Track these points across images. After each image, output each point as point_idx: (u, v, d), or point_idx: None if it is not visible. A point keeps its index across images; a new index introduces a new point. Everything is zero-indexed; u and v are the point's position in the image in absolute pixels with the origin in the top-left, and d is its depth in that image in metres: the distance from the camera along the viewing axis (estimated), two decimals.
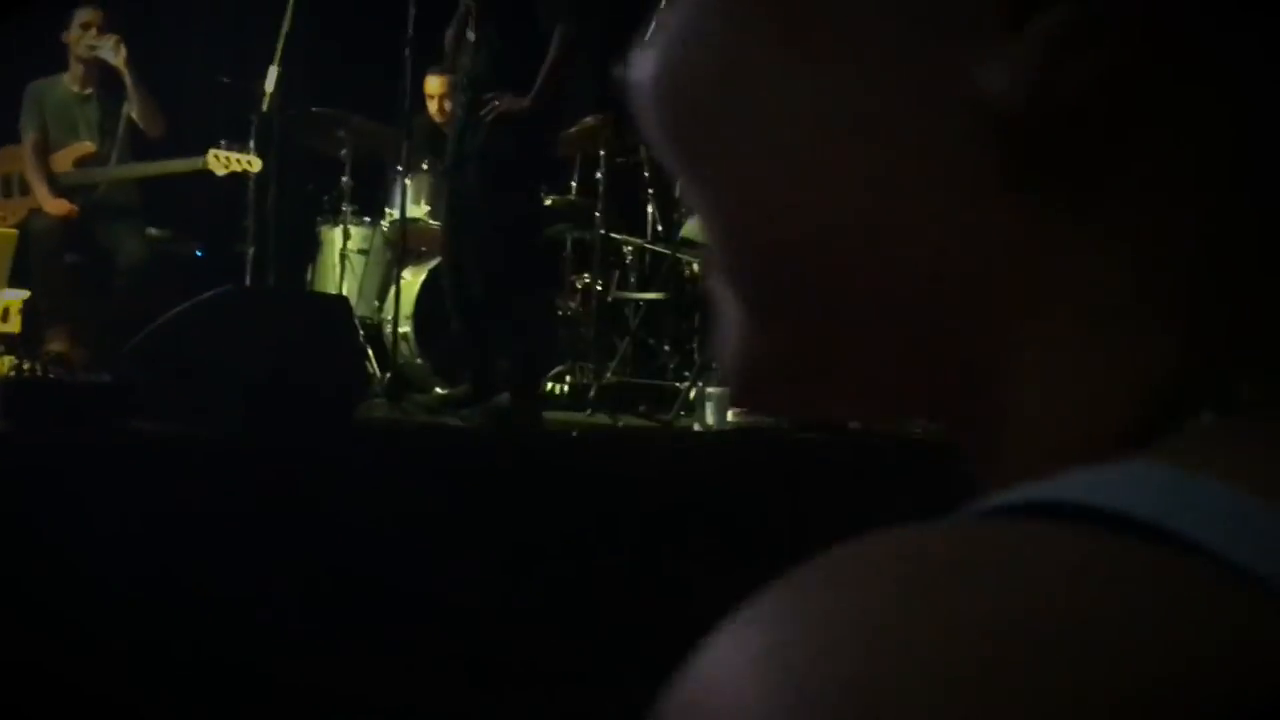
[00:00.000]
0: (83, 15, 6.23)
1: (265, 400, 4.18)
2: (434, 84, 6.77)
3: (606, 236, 6.44)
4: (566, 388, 6.18)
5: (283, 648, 3.95)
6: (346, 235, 6.45)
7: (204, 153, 6.02)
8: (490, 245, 5.25)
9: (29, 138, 6.17)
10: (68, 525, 3.69)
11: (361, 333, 5.76)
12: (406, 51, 5.36)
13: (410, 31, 5.36)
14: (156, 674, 3.73)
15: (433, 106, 6.83)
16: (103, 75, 6.31)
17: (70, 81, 6.29)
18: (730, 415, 5.50)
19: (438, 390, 5.75)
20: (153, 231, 6.44)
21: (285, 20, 5.82)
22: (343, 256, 6.43)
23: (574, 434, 5.06)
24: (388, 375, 5.63)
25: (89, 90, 6.29)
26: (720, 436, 5.39)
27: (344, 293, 6.36)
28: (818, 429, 5.68)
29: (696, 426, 5.44)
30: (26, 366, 4.05)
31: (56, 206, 6.01)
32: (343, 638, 4.06)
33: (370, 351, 6.10)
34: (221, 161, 6.02)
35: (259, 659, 3.91)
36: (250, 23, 7.75)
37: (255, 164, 6.01)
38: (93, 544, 3.71)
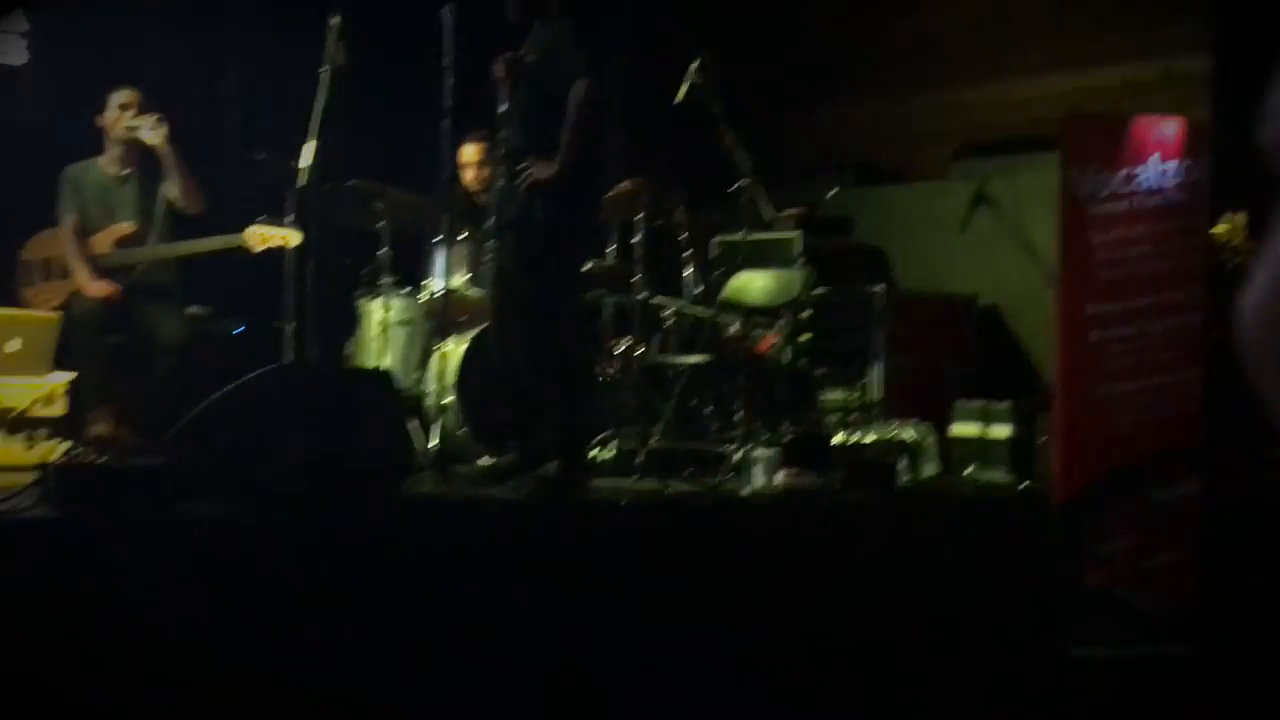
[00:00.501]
0: (120, 97, 6.27)
1: (312, 478, 4.16)
2: (468, 152, 6.78)
3: (646, 301, 6.41)
4: (611, 454, 6.13)
5: None
6: (387, 307, 6.43)
7: (242, 230, 6.03)
8: (531, 313, 5.25)
9: (68, 221, 6.19)
10: (121, 610, 3.66)
11: (405, 406, 5.73)
12: (444, 123, 5.36)
13: (449, 101, 5.36)
14: None
15: (468, 175, 6.83)
16: (139, 155, 6.33)
17: (107, 164, 6.32)
18: (778, 478, 5.46)
19: (482, 461, 5.70)
20: (193, 310, 6.44)
21: (320, 95, 5.84)
22: (383, 328, 6.41)
23: (623, 503, 5.01)
24: (432, 448, 5.58)
25: (127, 171, 6.32)
26: (769, 499, 5.34)
27: (385, 365, 6.34)
28: (863, 489, 5.63)
29: (745, 490, 5.39)
30: (77, 452, 4.02)
31: (98, 289, 6.02)
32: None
33: (414, 423, 6.06)
34: (259, 238, 6.03)
35: None
36: (285, 98, 7.80)
37: (293, 239, 6.01)
38: (146, 629, 3.67)
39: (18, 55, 7.32)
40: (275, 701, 3.82)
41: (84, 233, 6.21)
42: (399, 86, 6.96)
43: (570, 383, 5.39)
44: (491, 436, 6.04)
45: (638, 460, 5.74)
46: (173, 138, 6.27)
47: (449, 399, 6.14)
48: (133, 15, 7.60)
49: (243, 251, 6.10)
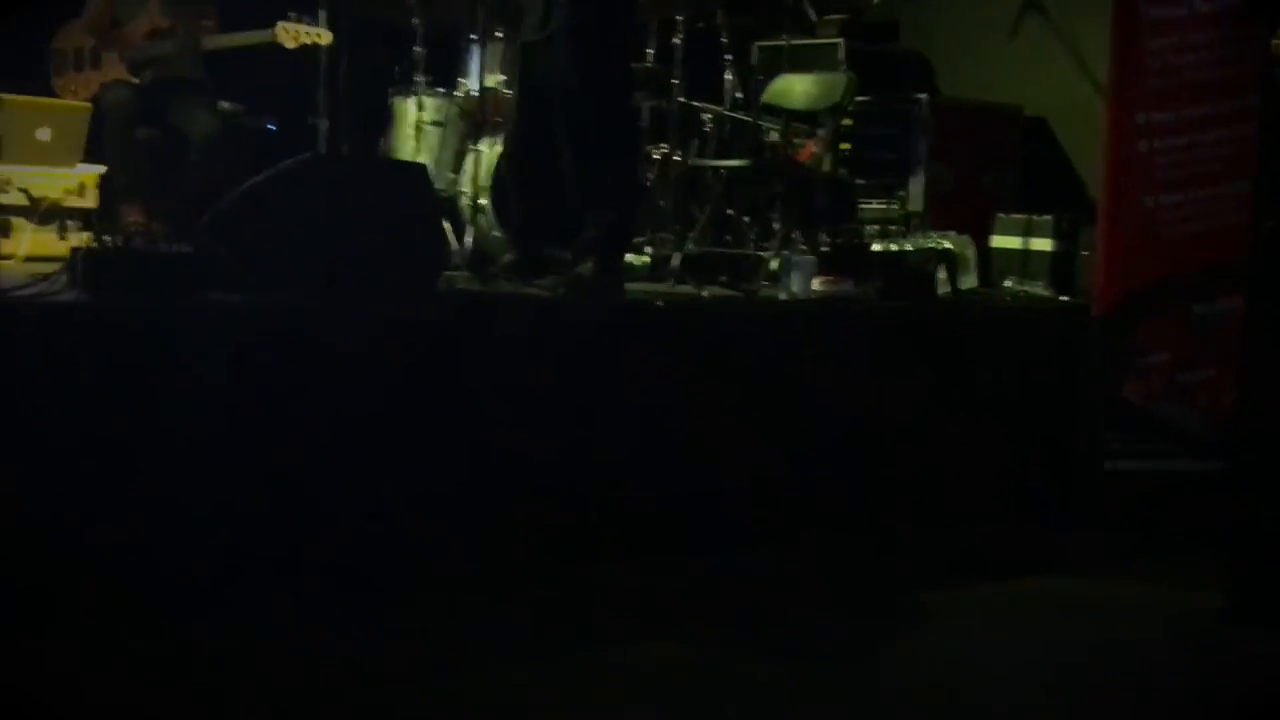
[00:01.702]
0: None
1: (347, 270, 4.11)
2: None
3: (685, 104, 6.29)
4: (647, 259, 6.07)
5: (363, 521, 3.92)
6: (420, 107, 6.33)
7: (273, 25, 5.91)
8: (584, 116, 5.11)
9: (98, 8, 6.08)
10: (152, 394, 3.66)
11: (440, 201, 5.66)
12: None
13: None
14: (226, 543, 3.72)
15: None
16: None
17: None
18: (815, 284, 5.39)
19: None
20: (224, 106, 6.35)
21: None
22: (417, 128, 6.31)
23: (660, 303, 4.96)
24: (468, 245, 5.53)
25: None
26: (806, 305, 5.28)
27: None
28: (901, 296, 5.57)
29: (781, 295, 5.33)
30: (106, 239, 3.98)
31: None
32: (431, 504, 4.03)
33: (448, 223, 6.00)
34: (291, 34, 5.90)
35: (334, 528, 3.88)
36: None
37: (325, 36, 5.89)
38: (175, 412, 3.67)
39: None
40: (299, 487, 3.83)
41: (115, 22, 6.10)
42: None
43: (613, 185, 5.28)
44: (525, 237, 5.98)
45: (673, 264, 5.68)
46: None
47: (483, 200, 6.07)
48: None
49: (274, 48, 5.98)
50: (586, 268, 5.08)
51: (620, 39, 5.31)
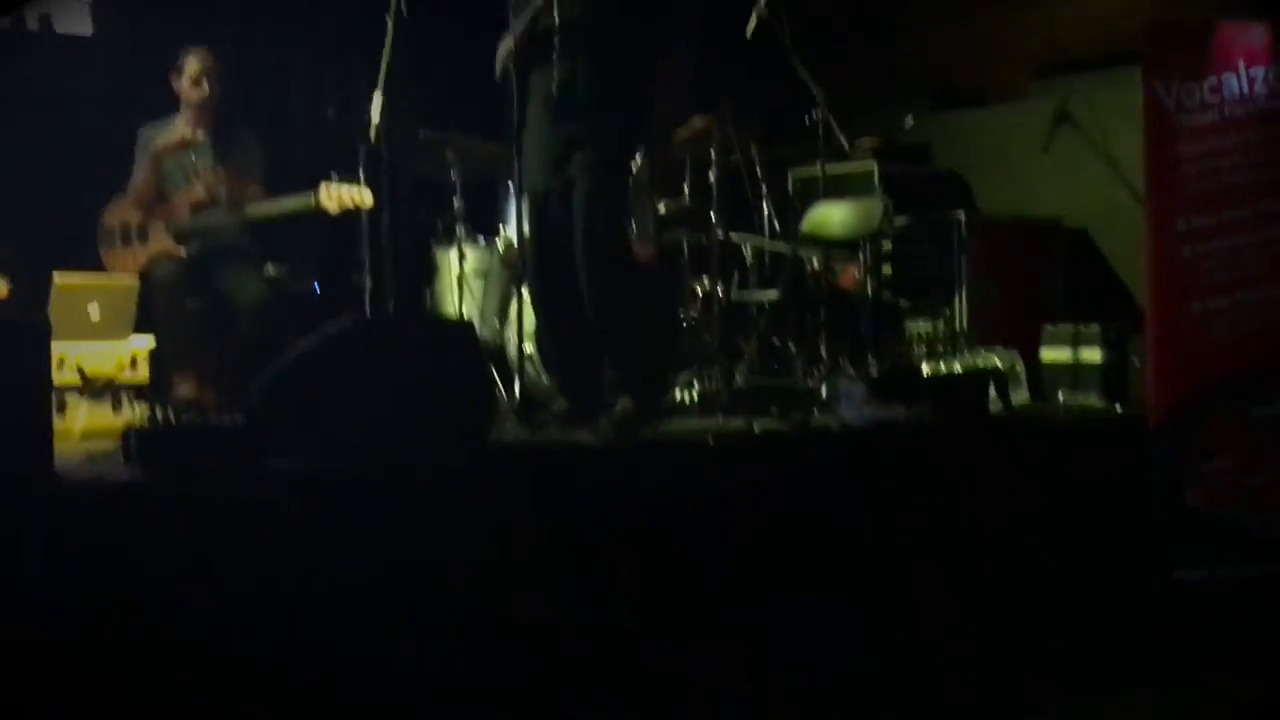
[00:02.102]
0: (191, 60, 6.25)
1: (397, 431, 4.13)
2: None
3: (724, 238, 6.33)
4: (695, 395, 6.06)
5: (421, 678, 3.90)
6: (462, 258, 6.39)
7: (315, 189, 6.01)
8: (597, 264, 5.17)
9: (144, 183, 6.20)
10: (208, 567, 3.66)
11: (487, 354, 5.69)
12: (511, 67, 5.27)
13: (514, 47, 5.27)
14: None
15: None
16: (212, 117, 6.33)
17: (181, 125, 6.31)
18: (866, 411, 5.37)
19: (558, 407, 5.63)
20: (269, 270, 6.44)
21: (386, 48, 5.79)
22: (460, 280, 6.37)
23: (710, 441, 4.95)
24: (515, 396, 5.55)
25: (202, 134, 6.31)
26: (858, 433, 5.26)
27: (463, 315, 6.31)
28: (953, 418, 5.54)
29: (833, 425, 5.31)
30: (158, 414, 4.02)
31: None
32: (493, 665, 4.00)
33: (495, 373, 6.03)
34: (333, 197, 6.00)
35: (406, 690, 3.86)
36: (352, 53, 7.77)
37: (366, 198, 5.98)
38: (235, 586, 3.67)
39: (83, 25, 7.32)
40: (362, 652, 3.81)
41: (160, 195, 6.22)
42: (467, 34, 6.89)
43: (642, 326, 5.31)
44: (573, 384, 6.00)
45: (722, 400, 5.67)
46: (239, 99, 6.25)
47: (529, 348, 6.09)
48: None
49: (317, 212, 6.08)
50: (625, 407, 5.10)
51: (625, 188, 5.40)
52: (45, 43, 7.24)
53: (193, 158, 6.26)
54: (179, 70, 6.26)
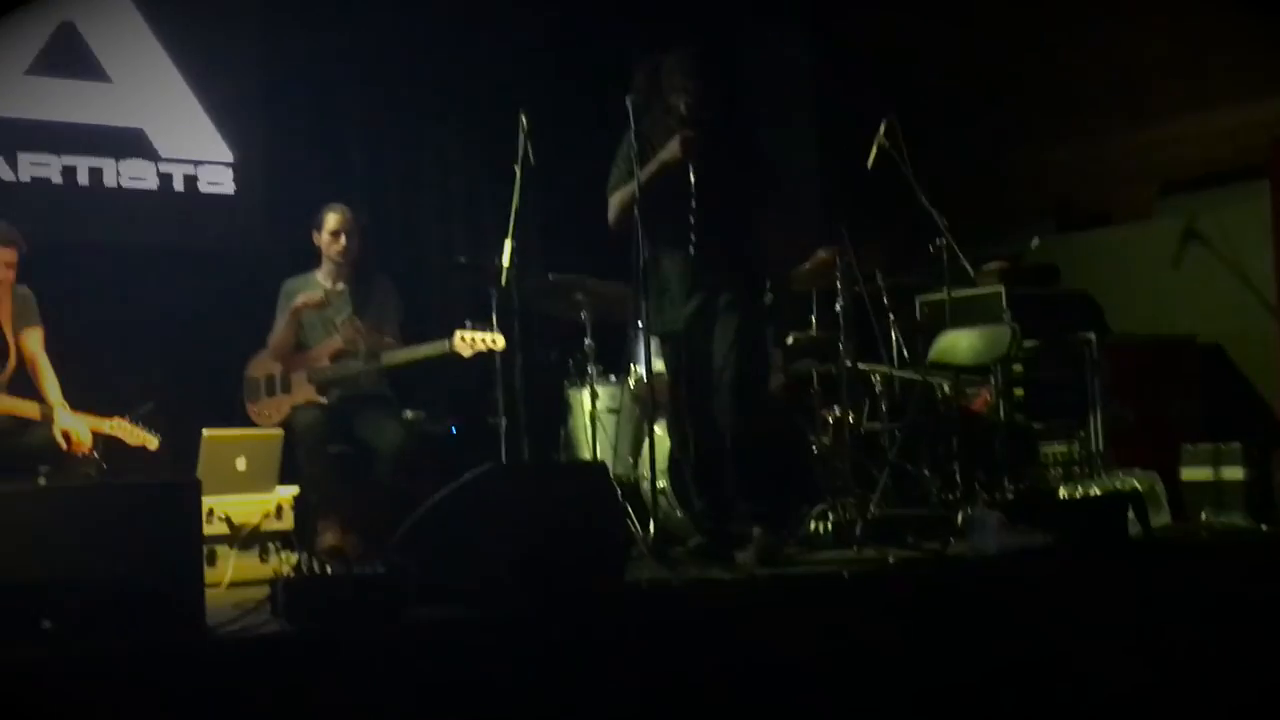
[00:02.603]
0: (330, 216, 6.48)
1: (534, 575, 4.20)
2: None
3: (853, 367, 6.36)
4: (829, 526, 6.06)
5: None
6: (594, 396, 6.50)
7: (450, 335, 6.16)
8: (742, 394, 5.31)
9: (284, 336, 6.40)
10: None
11: (620, 492, 5.75)
12: (635, 211, 5.40)
13: (637, 192, 5.41)
14: None
15: None
16: (351, 270, 6.54)
17: (323, 278, 6.53)
18: (1003, 538, 5.33)
19: (692, 542, 5.65)
20: (408, 414, 6.59)
21: (515, 195, 5.96)
22: (593, 418, 6.47)
23: (845, 574, 4.94)
24: (650, 533, 5.60)
25: (340, 285, 6.52)
26: (995, 561, 5.21)
27: (597, 453, 6.40)
28: (1093, 544, 5.46)
29: (969, 553, 5.28)
30: (304, 565, 4.13)
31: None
32: None
33: (630, 509, 6.10)
34: (467, 342, 6.14)
35: None
36: (481, 200, 8.00)
37: (499, 342, 6.12)
38: None
39: (226, 184, 7.62)
40: None
41: (299, 345, 6.41)
42: (592, 179, 7.07)
43: (778, 456, 5.39)
44: (710, 518, 6.05)
45: (857, 530, 5.67)
46: (377, 249, 6.45)
47: (662, 483, 6.16)
48: (329, 143, 7.90)
49: (452, 356, 6.23)
50: (762, 539, 5.19)
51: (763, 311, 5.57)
52: (190, 201, 7.54)
53: (332, 309, 6.46)
54: (319, 226, 6.49)
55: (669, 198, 5.36)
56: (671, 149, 5.38)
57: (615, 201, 5.57)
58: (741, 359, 5.36)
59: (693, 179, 5.33)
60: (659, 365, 6.43)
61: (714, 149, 5.37)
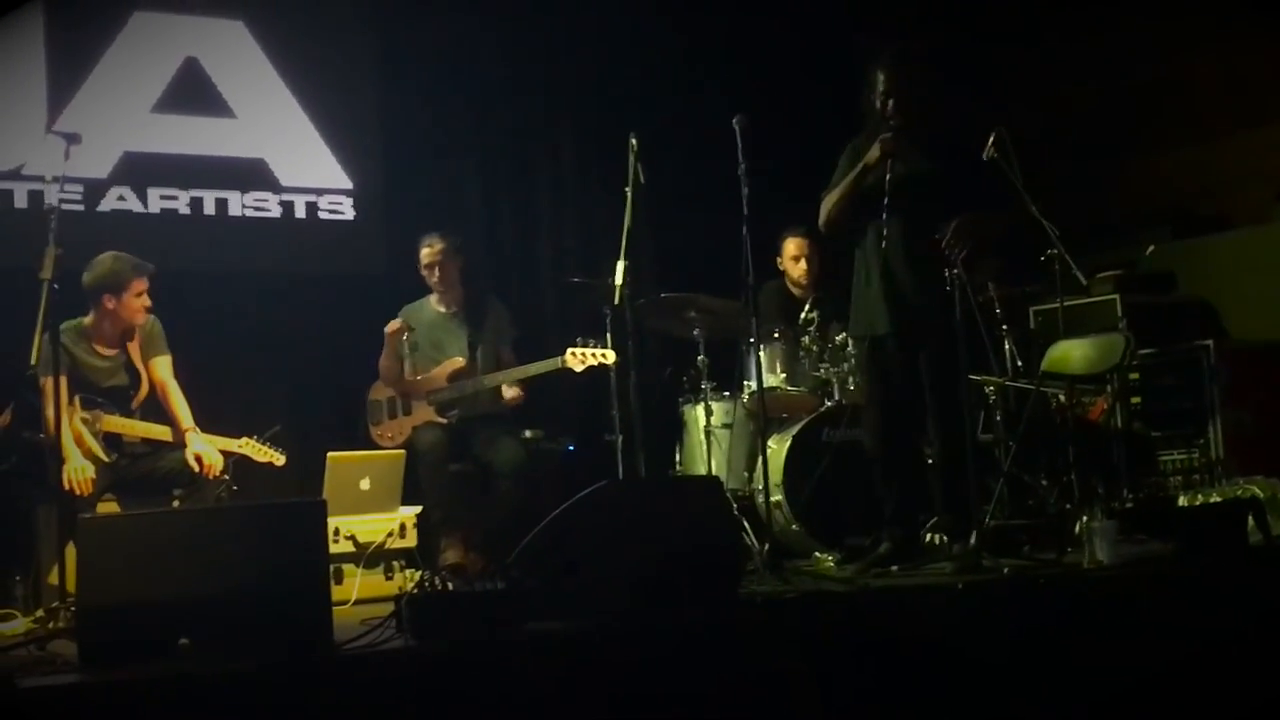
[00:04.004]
0: (425, 247, 6.67)
1: (651, 589, 4.27)
2: (794, 245, 6.94)
3: (968, 378, 6.35)
4: (942, 537, 6.06)
5: None
6: (709, 412, 6.57)
7: (563, 352, 6.27)
8: (951, 407, 5.52)
9: (386, 363, 6.55)
10: None
11: (735, 506, 5.82)
12: (744, 230, 5.47)
13: (745, 210, 5.48)
14: None
15: (795, 270, 6.96)
16: (462, 295, 6.68)
17: (436, 302, 6.68)
18: (1121, 548, 5.30)
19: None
20: (526, 434, 6.71)
21: (626, 215, 6.05)
22: (707, 433, 6.54)
23: (959, 585, 4.96)
24: (766, 547, 5.66)
25: (454, 309, 6.66)
26: (1113, 571, 5.18)
27: (712, 468, 6.47)
28: (1212, 552, 5.40)
29: (1085, 564, 5.26)
30: (427, 582, 4.24)
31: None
32: None
33: (745, 523, 6.16)
34: (579, 358, 6.25)
35: None
36: (594, 219, 8.11)
37: (610, 356, 6.22)
38: None
39: (347, 212, 7.81)
40: None
41: (418, 368, 6.56)
42: (704, 198, 7.15)
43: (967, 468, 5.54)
44: (820, 531, 6.12)
45: (973, 541, 5.66)
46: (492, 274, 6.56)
47: (777, 496, 6.21)
48: (445, 167, 8.06)
49: (566, 373, 6.33)
50: (885, 549, 5.34)
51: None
52: (312, 228, 7.74)
53: (447, 331, 6.60)
54: (419, 257, 6.64)
55: (876, 201, 5.46)
56: (871, 151, 5.48)
57: (824, 204, 5.68)
58: (946, 368, 5.48)
59: (888, 181, 5.42)
60: (772, 379, 6.49)
61: (918, 152, 5.47)
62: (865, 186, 5.52)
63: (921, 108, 5.50)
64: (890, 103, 5.45)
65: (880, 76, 5.51)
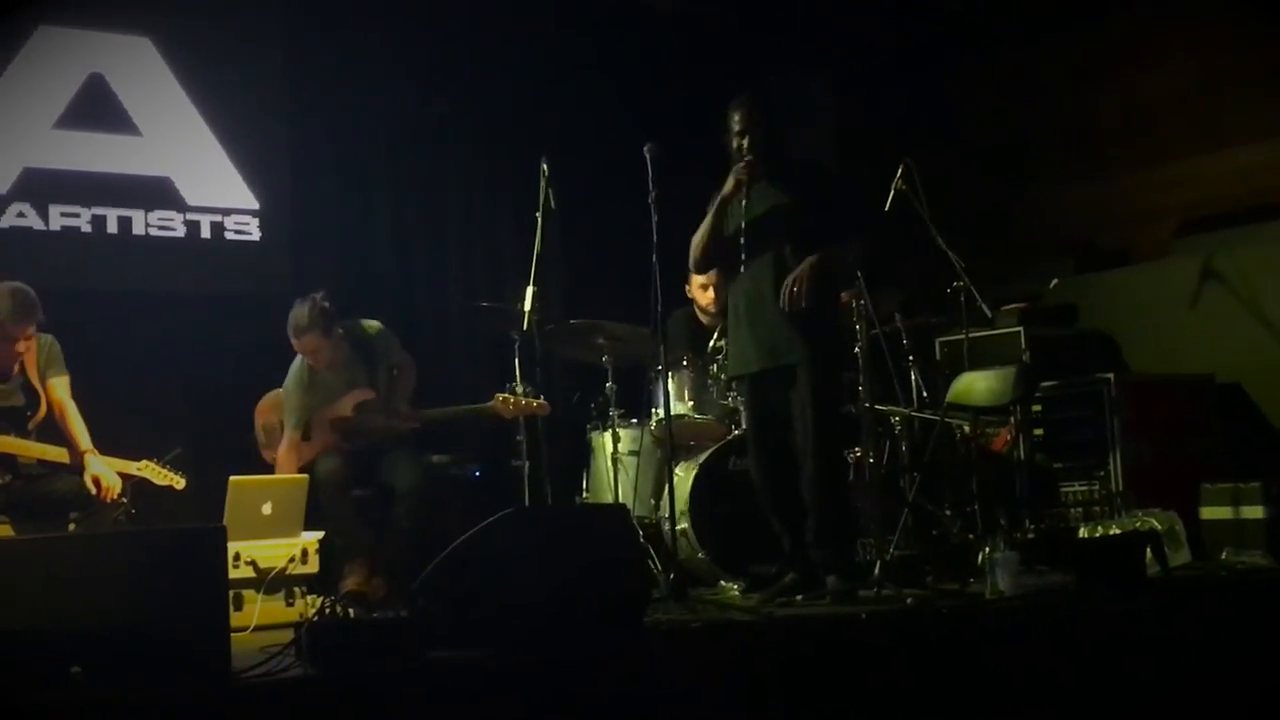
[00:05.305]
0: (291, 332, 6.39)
1: (556, 617, 4.25)
2: (703, 275, 6.95)
3: (872, 408, 6.40)
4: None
5: None
6: (616, 439, 6.55)
7: (491, 398, 6.23)
8: (826, 437, 5.54)
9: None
10: None
11: (641, 534, 5.81)
12: (653, 258, 5.48)
13: (655, 238, 5.49)
14: None
15: (706, 297, 6.97)
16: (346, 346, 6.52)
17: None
18: (1022, 579, 5.35)
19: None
20: (434, 458, 6.66)
21: (536, 241, 6.04)
22: (614, 460, 6.53)
23: (863, 615, 4.98)
24: (672, 575, 5.65)
25: (340, 363, 6.51)
26: (1014, 602, 5.23)
27: (619, 495, 6.45)
28: (1112, 583, 5.48)
29: (987, 594, 5.31)
30: (328, 609, 4.19)
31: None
32: None
33: (651, 550, 6.16)
34: (510, 405, 6.21)
35: None
36: (503, 246, 8.10)
37: (545, 408, 6.22)
38: None
39: (253, 232, 7.73)
40: None
41: (324, 399, 6.46)
42: (612, 226, 7.16)
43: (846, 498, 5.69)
44: (725, 560, 6.12)
45: (876, 571, 5.70)
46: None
47: (683, 524, 6.21)
48: (353, 190, 8.02)
49: (493, 418, 6.29)
50: (833, 581, 5.40)
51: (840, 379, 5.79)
52: (217, 249, 7.65)
53: (339, 376, 6.46)
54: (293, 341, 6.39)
55: (735, 240, 5.58)
56: (727, 184, 5.58)
57: (693, 243, 5.75)
58: (820, 406, 5.52)
59: (744, 212, 5.54)
60: (680, 406, 6.50)
61: (775, 188, 5.57)
62: (727, 225, 5.63)
63: (774, 143, 5.61)
64: (745, 140, 5.57)
65: (735, 117, 5.62)
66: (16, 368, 5.84)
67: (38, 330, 5.82)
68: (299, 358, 6.40)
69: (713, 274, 6.94)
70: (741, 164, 5.54)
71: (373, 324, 6.53)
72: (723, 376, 6.44)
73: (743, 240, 5.56)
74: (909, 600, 5.27)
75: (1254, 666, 5.27)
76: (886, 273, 6.62)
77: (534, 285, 6.13)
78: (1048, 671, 4.85)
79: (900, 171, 6.44)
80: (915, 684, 4.63)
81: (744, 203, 5.57)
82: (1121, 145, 8.42)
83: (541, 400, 6.27)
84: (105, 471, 5.74)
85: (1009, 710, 4.73)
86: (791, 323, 5.47)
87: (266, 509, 5.66)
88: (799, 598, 5.43)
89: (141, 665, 3.73)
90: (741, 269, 5.61)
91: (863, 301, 6.15)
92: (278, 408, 6.56)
